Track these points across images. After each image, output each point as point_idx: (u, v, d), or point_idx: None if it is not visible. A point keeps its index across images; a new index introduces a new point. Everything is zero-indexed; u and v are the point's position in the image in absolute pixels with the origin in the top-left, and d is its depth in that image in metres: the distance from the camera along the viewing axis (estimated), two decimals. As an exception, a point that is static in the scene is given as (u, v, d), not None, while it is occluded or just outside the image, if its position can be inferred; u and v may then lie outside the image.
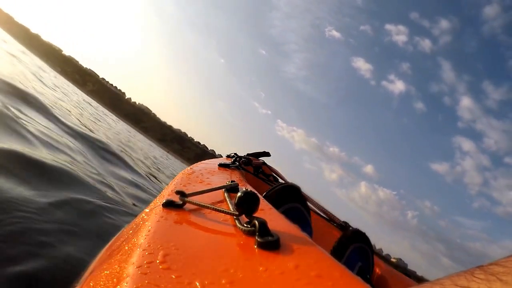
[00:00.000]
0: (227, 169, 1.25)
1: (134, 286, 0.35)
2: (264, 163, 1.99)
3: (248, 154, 1.89)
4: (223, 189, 0.73)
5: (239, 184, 0.81)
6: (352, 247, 1.28)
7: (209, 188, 0.72)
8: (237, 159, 1.53)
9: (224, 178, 1.01)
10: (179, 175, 1.07)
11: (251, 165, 1.68)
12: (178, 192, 0.64)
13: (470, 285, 0.28)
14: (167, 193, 0.79)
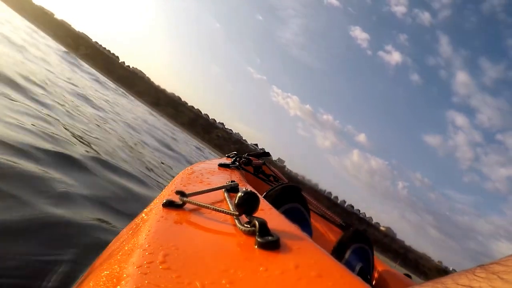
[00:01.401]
0: (227, 169, 1.25)
1: (134, 286, 0.35)
2: (264, 163, 1.99)
3: (248, 154, 1.89)
4: (223, 189, 0.73)
5: (239, 184, 0.81)
6: (353, 247, 1.28)
7: (209, 188, 0.72)
8: (237, 159, 1.53)
9: (224, 178, 1.01)
10: (179, 175, 1.07)
11: (251, 165, 1.68)
12: (178, 192, 0.64)
13: (472, 284, 0.28)
14: (167, 193, 0.78)
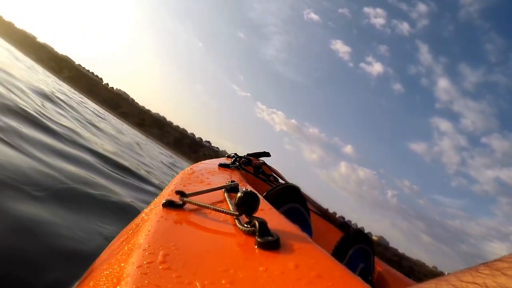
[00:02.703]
0: (227, 169, 1.25)
1: (134, 286, 0.35)
2: (264, 163, 1.99)
3: (248, 154, 1.89)
4: (223, 189, 0.73)
5: (239, 184, 0.81)
6: (354, 248, 1.27)
7: (209, 188, 0.72)
8: (237, 159, 1.53)
9: (224, 178, 1.01)
10: (179, 175, 1.07)
11: (251, 165, 1.68)
12: (178, 192, 0.64)
13: (476, 281, 0.28)
14: (167, 193, 0.78)
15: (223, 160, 1.51)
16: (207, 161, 1.52)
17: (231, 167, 1.30)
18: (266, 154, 2.09)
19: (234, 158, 1.55)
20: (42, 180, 2.05)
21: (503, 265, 0.29)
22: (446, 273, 0.31)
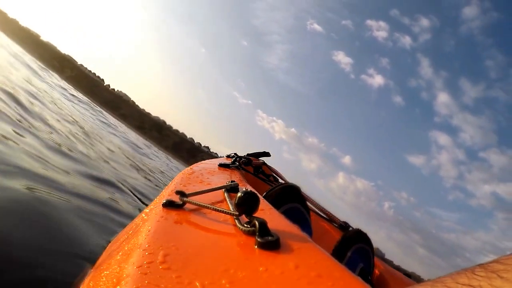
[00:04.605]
0: (227, 169, 1.25)
1: (134, 286, 0.35)
2: (264, 163, 1.99)
3: (248, 154, 1.89)
4: (223, 189, 0.73)
5: (239, 184, 0.81)
6: (354, 248, 1.27)
7: (209, 188, 0.72)
8: (237, 159, 1.53)
9: (224, 178, 1.01)
10: (179, 175, 1.07)
11: (251, 165, 1.68)
12: (178, 192, 0.64)
13: (471, 283, 0.28)
14: (167, 193, 0.78)
15: (223, 160, 1.51)
16: (207, 161, 1.52)
17: (231, 167, 1.31)
18: (266, 154, 2.09)
19: (234, 158, 1.55)
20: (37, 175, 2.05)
21: (499, 267, 0.29)
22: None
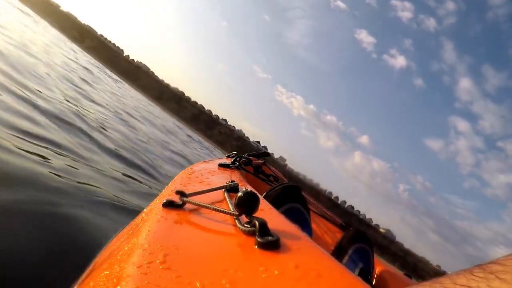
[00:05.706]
0: (227, 169, 1.25)
1: (134, 286, 0.35)
2: (264, 163, 1.99)
3: (248, 154, 1.90)
4: (223, 189, 0.73)
5: (239, 184, 0.81)
6: (354, 248, 1.28)
7: (209, 188, 0.72)
8: (237, 159, 1.53)
9: (224, 178, 1.01)
10: (179, 175, 1.07)
11: (251, 165, 1.68)
12: (178, 192, 0.64)
13: (469, 284, 0.28)
14: (167, 193, 0.78)
15: (223, 160, 1.51)
16: (207, 161, 1.52)
17: (231, 167, 1.30)
18: (266, 154, 2.09)
19: (234, 158, 1.55)
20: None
21: (498, 268, 0.28)
22: (449, 273, 0.31)
